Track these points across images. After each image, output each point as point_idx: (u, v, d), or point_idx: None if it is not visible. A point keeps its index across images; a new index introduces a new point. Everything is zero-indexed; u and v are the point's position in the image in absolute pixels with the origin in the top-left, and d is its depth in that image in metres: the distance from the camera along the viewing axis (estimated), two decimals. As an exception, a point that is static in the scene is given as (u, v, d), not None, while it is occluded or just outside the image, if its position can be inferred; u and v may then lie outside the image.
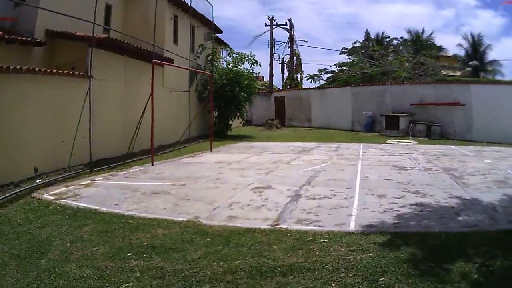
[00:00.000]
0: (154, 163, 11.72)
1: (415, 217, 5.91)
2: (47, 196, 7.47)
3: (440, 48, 34.58)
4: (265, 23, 36.96)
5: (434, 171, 10.16)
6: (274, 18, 37.20)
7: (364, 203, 6.70)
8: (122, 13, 16.85)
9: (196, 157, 13.74)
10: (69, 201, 7.10)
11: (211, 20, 21.59)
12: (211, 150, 15.45)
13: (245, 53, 22.96)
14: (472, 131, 20.19)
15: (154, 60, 12.30)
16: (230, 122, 22.70)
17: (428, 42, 36.90)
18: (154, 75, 11.73)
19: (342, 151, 15.06)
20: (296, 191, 7.71)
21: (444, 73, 29.95)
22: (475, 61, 34.23)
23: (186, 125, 17.00)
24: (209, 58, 22.10)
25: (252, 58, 22.52)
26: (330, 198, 7.15)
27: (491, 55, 38.18)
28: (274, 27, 37.04)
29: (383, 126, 22.75)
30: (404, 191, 7.61)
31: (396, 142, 18.70)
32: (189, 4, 18.52)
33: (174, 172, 10.41)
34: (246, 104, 22.91)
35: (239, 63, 22.31)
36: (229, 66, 22.37)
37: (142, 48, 13.98)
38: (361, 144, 17.66)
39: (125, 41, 13.16)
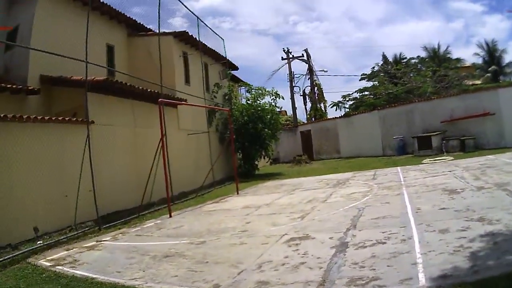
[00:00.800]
0: (173, 214, 10.55)
1: (493, 253, 4.51)
2: (44, 262, 6.59)
3: (458, 60, 33.42)
4: (282, 57, 36.43)
5: (488, 189, 8.62)
6: (290, 51, 36.59)
7: (427, 244, 5.16)
8: (125, 54, 15.99)
9: (221, 203, 12.48)
10: (65, 268, 6.05)
11: (224, 56, 20.61)
12: (237, 193, 14.25)
13: (264, 88, 21.94)
14: (505, 138, 18.95)
15: (160, 100, 11.24)
16: (256, 162, 21.32)
17: (446, 56, 35.75)
18: (167, 117, 10.77)
19: (381, 179, 13.52)
20: (340, 239, 6.15)
21: (468, 82, 28.36)
22: (494, 66, 33.16)
23: (208, 168, 15.85)
24: (226, 97, 20.98)
25: (273, 92, 21.43)
26: (385, 242, 5.60)
27: (507, 58, 36.93)
28: (291, 60, 36.33)
29: (415, 147, 21.29)
30: (466, 220, 6.10)
31: (432, 161, 17.15)
32: (198, 39, 17.42)
33: (194, 225, 9.06)
34: (272, 142, 21.50)
35: (259, 98, 21.23)
36: (248, 102, 21.28)
37: (149, 90, 12.99)
38: (398, 168, 16.09)
39: (128, 83, 12.17)
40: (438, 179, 11.40)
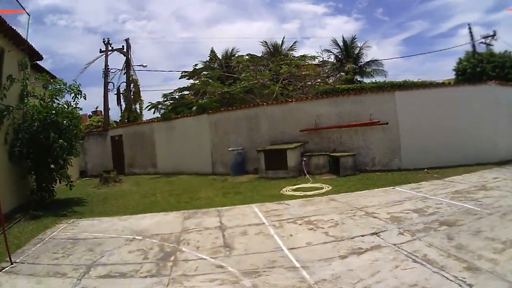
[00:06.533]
0: None
1: None
2: None
3: (304, 56, 27.66)
4: (100, 49, 28.58)
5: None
6: (110, 42, 28.88)
7: None
8: None
9: None
10: None
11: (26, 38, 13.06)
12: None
13: (62, 80, 14.20)
14: (401, 156, 14.49)
15: None
16: (54, 185, 13.44)
17: (288, 53, 30.83)
18: None
19: (239, 242, 7.07)
20: None
21: (311, 81, 23.59)
22: (351, 64, 28.58)
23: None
24: (25, 94, 13.32)
25: (75, 88, 13.72)
26: None
27: (369, 55, 34.28)
28: (109, 52, 28.68)
29: (261, 165, 15.36)
30: None
31: (301, 193, 11.35)
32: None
33: None
34: (69, 158, 13.51)
35: (57, 97, 13.72)
36: (42, 102, 13.40)
37: None
38: (255, 208, 9.75)
39: None
40: (385, 265, 5.42)
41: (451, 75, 26.04)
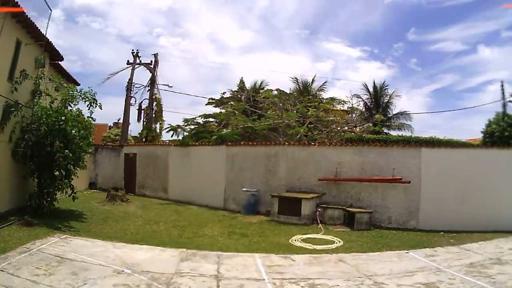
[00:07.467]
0: None
1: None
2: None
3: (333, 99, 26.37)
4: (128, 60, 28.36)
5: None
6: (139, 55, 28.73)
7: None
8: None
9: None
10: None
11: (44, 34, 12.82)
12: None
13: (75, 87, 14.24)
14: (418, 217, 13.57)
15: None
16: (56, 193, 12.96)
17: (317, 93, 30.13)
18: None
19: None
20: None
21: (338, 128, 22.70)
22: (379, 114, 26.44)
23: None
24: (36, 92, 12.93)
25: (91, 96, 13.47)
26: None
27: (398, 107, 32.95)
28: (137, 66, 28.44)
29: (275, 208, 14.59)
30: None
31: (310, 246, 10.54)
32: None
33: None
34: (74, 170, 13.06)
35: (72, 102, 13.43)
36: (52, 105, 13.06)
37: None
38: (257, 258, 9.02)
39: None
40: None
41: (477, 134, 25.25)
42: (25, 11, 11.48)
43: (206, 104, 31.10)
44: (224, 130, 23.99)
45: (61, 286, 6.31)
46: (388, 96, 32.77)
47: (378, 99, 32.70)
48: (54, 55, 14.95)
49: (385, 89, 33.09)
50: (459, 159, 13.78)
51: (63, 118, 12.56)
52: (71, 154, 12.34)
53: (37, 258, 7.70)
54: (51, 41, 13.81)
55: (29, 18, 11.96)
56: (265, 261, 8.81)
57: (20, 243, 8.67)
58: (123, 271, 7.48)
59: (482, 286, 7.19)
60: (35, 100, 12.73)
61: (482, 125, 24.18)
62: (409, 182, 13.62)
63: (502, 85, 28.04)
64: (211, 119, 29.99)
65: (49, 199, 12.66)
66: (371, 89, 33.32)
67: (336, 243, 11.00)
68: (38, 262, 7.42)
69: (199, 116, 29.01)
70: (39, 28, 12.63)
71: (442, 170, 13.60)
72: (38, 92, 12.86)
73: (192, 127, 28.21)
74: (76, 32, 77.42)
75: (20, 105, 12.04)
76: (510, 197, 13.10)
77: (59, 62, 15.99)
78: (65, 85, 14.19)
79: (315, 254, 9.79)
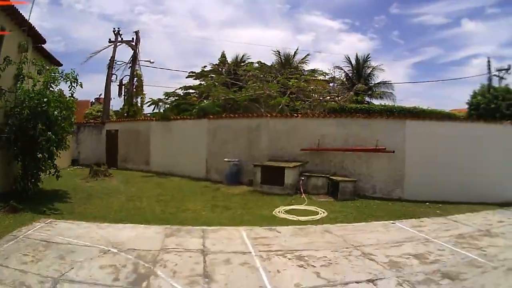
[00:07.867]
0: None
1: None
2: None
3: (314, 71, 27.17)
4: (109, 39, 28.33)
5: None
6: (121, 33, 28.64)
7: None
8: None
9: None
10: None
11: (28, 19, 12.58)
12: None
13: (56, 68, 13.86)
14: (403, 186, 13.72)
15: None
16: (40, 174, 12.73)
17: (299, 65, 29.97)
18: None
19: (221, 273, 6.32)
20: None
21: (320, 98, 22.69)
22: (361, 83, 26.47)
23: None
24: (19, 76, 12.63)
25: (72, 76, 13.08)
26: None
27: (379, 77, 32.97)
28: (118, 43, 28.49)
29: (257, 178, 14.63)
30: None
31: (294, 218, 10.56)
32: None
33: None
34: (56, 151, 12.91)
35: (52, 84, 13.01)
36: (33, 88, 12.60)
37: None
38: (242, 231, 9.01)
39: None
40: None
41: (461, 105, 25.43)
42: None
43: (187, 77, 31.00)
44: (205, 101, 23.74)
45: (49, 273, 6.18)
46: (371, 68, 32.89)
47: (360, 70, 32.75)
48: (37, 39, 14.80)
49: (368, 61, 33.18)
50: (444, 132, 13.91)
51: (45, 100, 12.32)
52: (54, 136, 12.16)
53: (24, 244, 7.53)
54: (34, 26, 13.59)
55: (12, 5, 11.75)
56: (250, 233, 8.82)
57: (7, 231, 8.47)
58: (109, 250, 7.37)
59: (473, 258, 7.28)
60: (18, 84, 12.50)
61: (466, 96, 24.44)
62: (393, 152, 13.75)
63: (488, 60, 29.83)
64: (191, 91, 29.89)
65: (33, 180, 12.52)
66: (353, 62, 33.42)
67: (321, 213, 11.05)
68: (25, 249, 7.27)
69: (179, 88, 28.89)
70: (22, 14, 12.40)
71: (426, 142, 13.75)
72: (21, 76, 12.61)
73: (173, 99, 28.10)
74: (60, 13, 75.80)
75: (4, 91, 11.84)
76: (495, 170, 13.35)
77: (42, 45, 15.69)
78: (47, 67, 13.86)
79: (300, 225, 9.84)
